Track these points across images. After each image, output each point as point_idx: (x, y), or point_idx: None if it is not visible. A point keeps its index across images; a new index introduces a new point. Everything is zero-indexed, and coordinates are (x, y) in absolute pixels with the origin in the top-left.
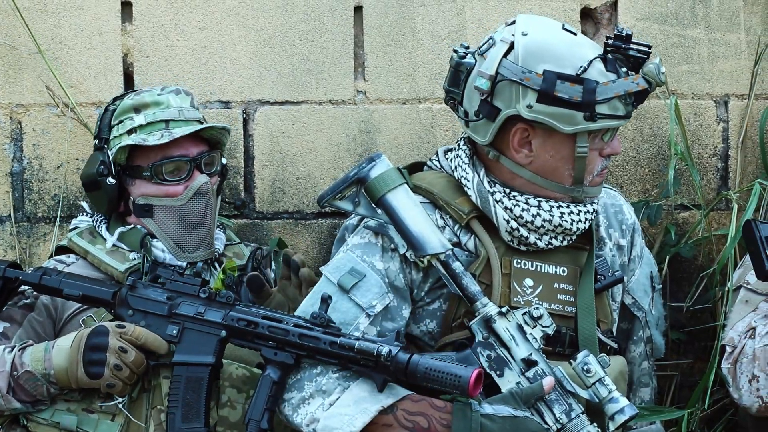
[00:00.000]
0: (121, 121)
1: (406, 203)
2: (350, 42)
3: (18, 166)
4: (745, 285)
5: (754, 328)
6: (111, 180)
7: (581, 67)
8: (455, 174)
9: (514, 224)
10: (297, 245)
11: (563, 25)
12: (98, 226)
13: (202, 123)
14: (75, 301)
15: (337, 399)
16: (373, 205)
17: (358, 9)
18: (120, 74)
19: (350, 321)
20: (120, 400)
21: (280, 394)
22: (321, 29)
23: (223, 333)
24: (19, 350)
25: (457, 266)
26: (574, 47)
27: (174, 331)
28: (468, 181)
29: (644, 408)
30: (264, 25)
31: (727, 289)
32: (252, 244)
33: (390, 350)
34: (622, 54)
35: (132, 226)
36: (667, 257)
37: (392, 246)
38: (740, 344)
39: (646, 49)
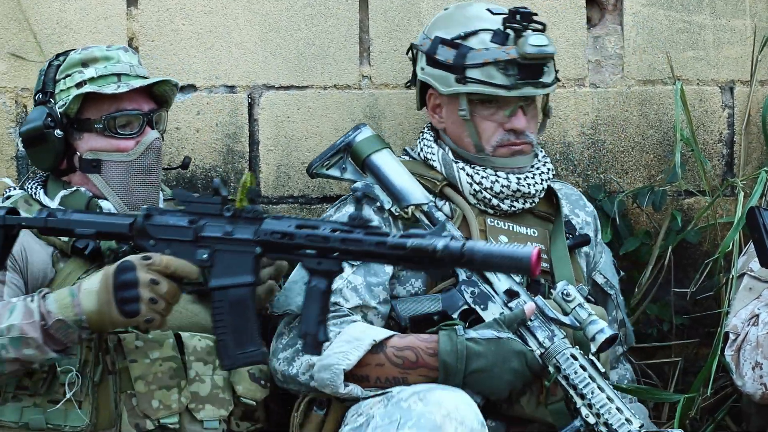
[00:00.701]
0: (68, 75)
1: (389, 162)
2: (355, 27)
3: (23, 150)
4: (748, 272)
5: (757, 316)
6: (59, 132)
7: (460, 34)
8: (422, 154)
9: (477, 187)
10: None
11: (491, 7)
12: (35, 193)
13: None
14: (89, 239)
15: (330, 343)
16: (358, 170)
17: None
18: None
19: None
20: (69, 392)
21: (329, 303)
22: (326, 14)
23: (258, 249)
24: (40, 298)
25: (439, 215)
26: (471, 20)
27: (204, 255)
28: (433, 154)
29: (643, 389)
30: (269, 9)
31: (731, 276)
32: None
33: (445, 244)
34: (513, 29)
35: (74, 188)
36: (671, 244)
37: (372, 210)
38: (743, 331)
39: (531, 24)
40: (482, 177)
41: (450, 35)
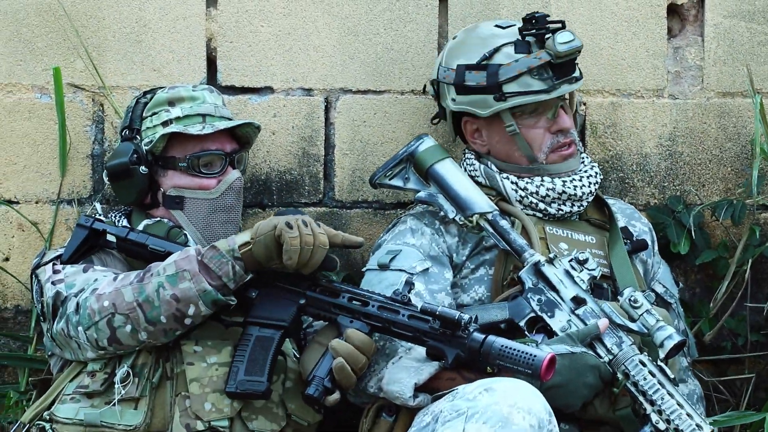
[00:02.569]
0: (155, 113)
1: (453, 171)
2: (434, 32)
3: (99, 148)
4: None
5: None
6: (144, 169)
7: (484, 54)
8: (468, 173)
9: (522, 193)
10: (375, 235)
11: (499, 23)
12: (118, 222)
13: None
14: (158, 259)
15: (400, 358)
16: (422, 180)
17: None
18: (203, 59)
19: (395, 282)
20: (123, 391)
21: None
22: (405, 19)
23: (302, 300)
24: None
25: (504, 223)
26: (488, 39)
27: (253, 294)
28: (476, 170)
29: (724, 416)
30: (349, 13)
31: None
32: None
33: (471, 318)
34: (533, 35)
35: (158, 219)
36: (750, 257)
37: (424, 223)
38: None
39: (551, 25)
40: (527, 182)
41: (473, 60)
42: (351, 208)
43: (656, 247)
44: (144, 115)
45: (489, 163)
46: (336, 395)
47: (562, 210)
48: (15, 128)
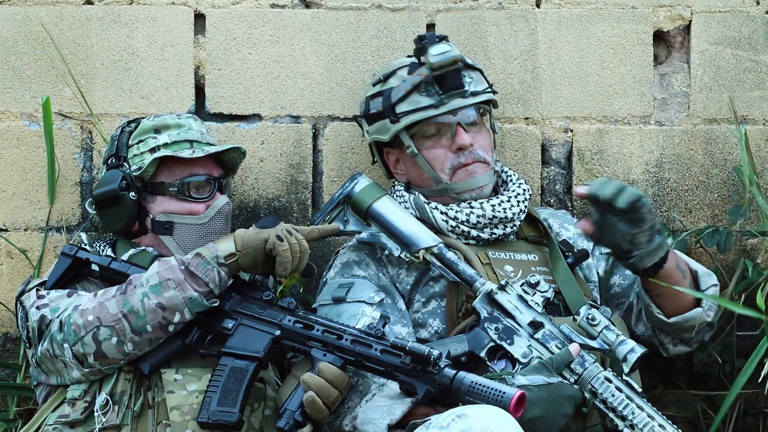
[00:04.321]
0: (141, 140)
1: (392, 208)
2: None
3: (87, 175)
4: None
5: None
6: (133, 195)
7: (379, 78)
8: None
9: (453, 223)
10: None
11: (410, 54)
12: (102, 251)
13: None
14: None
15: (373, 396)
16: (361, 220)
17: (430, 27)
18: (191, 86)
19: (356, 313)
20: (104, 419)
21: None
22: (393, 46)
23: (278, 332)
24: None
25: (450, 255)
26: (390, 65)
27: (229, 325)
28: (406, 201)
29: None
30: (336, 40)
31: None
32: None
33: (441, 354)
34: (418, 56)
35: (142, 248)
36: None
37: (365, 254)
38: None
39: (430, 40)
40: (456, 212)
41: (374, 88)
42: (339, 235)
43: None
44: (130, 143)
45: (417, 193)
46: (307, 429)
47: (495, 233)
48: (3, 156)
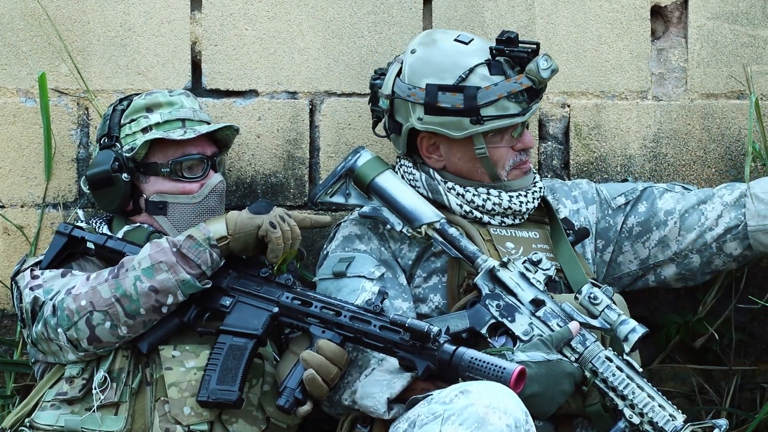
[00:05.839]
0: (133, 120)
1: (394, 183)
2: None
3: (84, 152)
4: None
5: None
6: (126, 176)
7: (460, 76)
8: (408, 182)
9: (467, 207)
10: None
11: (457, 36)
12: (98, 229)
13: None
14: None
15: (372, 370)
16: (363, 194)
17: (427, 2)
18: (188, 62)
19: (356, 288)
20: (102, 397)
21: None
22: (390, 21)
23: (276, 309)
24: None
25: (453, 231)
26: (457, 57)
27: (227, 302)
28: (417, 180)
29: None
30: (333, 16)
31: None
32: None
33: (440, 330)
34: (508, 56)
35: (137, 224)
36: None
37: (368, 228)
38: None
39: (529, 48)
40: (473, 195)
41: (446, 80)
42: (336, 211)
43: (603, 193)
44: (122, 122)
45: (432, 172)
46: (307, 406)
47: (505, 222)
48: (0, 132)
